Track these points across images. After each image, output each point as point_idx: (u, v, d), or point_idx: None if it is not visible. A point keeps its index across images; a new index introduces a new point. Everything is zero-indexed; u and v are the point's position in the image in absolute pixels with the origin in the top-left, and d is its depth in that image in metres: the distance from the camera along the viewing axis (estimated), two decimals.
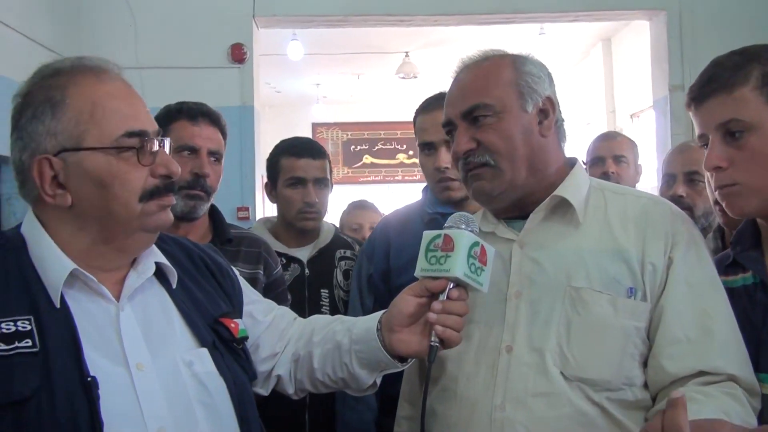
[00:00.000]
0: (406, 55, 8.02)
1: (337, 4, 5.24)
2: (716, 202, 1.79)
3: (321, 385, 1.49)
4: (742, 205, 1.41)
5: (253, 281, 2.03)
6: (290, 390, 1.52)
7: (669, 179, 2.32)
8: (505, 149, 1.42)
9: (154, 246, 1.33)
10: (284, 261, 2.32)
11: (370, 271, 2.20)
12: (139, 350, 1.22)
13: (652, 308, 1.36)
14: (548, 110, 1.47)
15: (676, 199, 2.18)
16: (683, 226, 1.43)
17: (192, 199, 1.97)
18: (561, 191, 1.45)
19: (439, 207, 2.10)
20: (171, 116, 2.02)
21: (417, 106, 2.21)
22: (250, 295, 1.53)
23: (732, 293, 1.42)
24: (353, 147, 10.88)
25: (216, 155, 2.03)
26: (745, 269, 1.49)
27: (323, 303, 2.33)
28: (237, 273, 1.53)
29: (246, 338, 1.41)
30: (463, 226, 1.31)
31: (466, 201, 2.04)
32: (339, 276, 2.38)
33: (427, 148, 2.12)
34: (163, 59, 5.16)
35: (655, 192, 2.44)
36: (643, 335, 1.35)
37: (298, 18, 5.41)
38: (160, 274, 1.34)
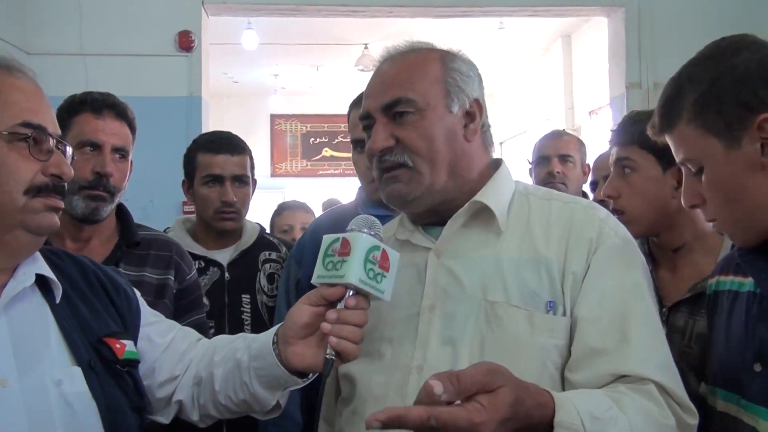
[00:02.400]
0: (366, 48, 7.90)
1: None
2: (616, 211, 1.74)
3: (225, 410, 1.38)
4: (744, 239, 1.28)
5: (162, 287, 1.90)
6: (194, 417, 1.41)
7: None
8: (425, 150, 1.30)
9: (39, 257, 1.26)
10: (202, 264, 2.18)
11: (298, 276, 2.06)
12: (6, 365, 1.14)
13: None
14: (475, 113, 1.36)
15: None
16: (610, 230, 1.30)
17: (94, 200, 1.82)
18: (481, 196, 1.33)
19: (372, 208, 1.96)
20: (74, 108, 1.86)
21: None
22: (149, 316, 1.43)
23: (736, 297, 1.30)
24: (312, 139, 10.69)
25: (122, 152, 1.87)
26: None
27: (244, 309, 2.20)
28: (138, 295, 1.43)
29: (134, 361, 1.31)
30: (365, 230, 1.20)
31: None
32: (263, 280, 2.24)
33: (360, 145, 1.99)
34: (108, 46, 4.98)
35: None
36: (564, 353, 1.23)
37: (250, 6, 5.27)
38: (45, 287, 1.25)
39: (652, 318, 1.25)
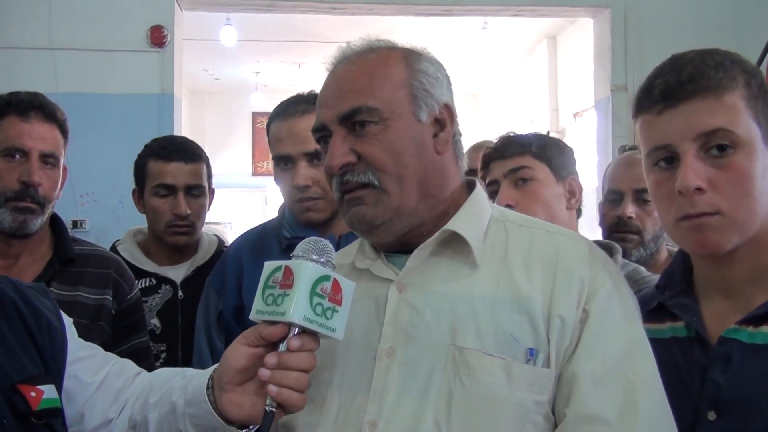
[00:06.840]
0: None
1: None
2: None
3: None
4: (720, 242, 1.10)
5: (99, 308, 1.73)
6: None
7: (614, 196, 1.98)
8: (392, 166, 1.12)
9: None
10: (153, 282, 2.01)
11: (220, 307, 1.83)
12: None
13: (558, 375, 1.06)
14: (445, 121, 1.18)
15: (624, 221, 1.91)
16: (604, 270, 1.13)
17: (21, 212, 1.64)
18: (453, 225, 1.15)
19: (299, 230, 1.75)
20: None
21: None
22: (78, 351, 1.25)
23: (658, 344, 1.13)
24: None
25: (51, 158, 1.70)
26: (673, 317, 1.21)
27: None
28: (67, 323, 1.25)
29: (53, 410, 1.13)
30: (314, 256, 1.03)
31: (332, 222, 1.74)
32: None
33: (283, 161, 1.76)
34: (78, 40, 4.78)
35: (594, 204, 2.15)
36: (545, 410, 1.06)
37: (225, 0, 5.08)
38: None
39: (657, 380, 1.08)
